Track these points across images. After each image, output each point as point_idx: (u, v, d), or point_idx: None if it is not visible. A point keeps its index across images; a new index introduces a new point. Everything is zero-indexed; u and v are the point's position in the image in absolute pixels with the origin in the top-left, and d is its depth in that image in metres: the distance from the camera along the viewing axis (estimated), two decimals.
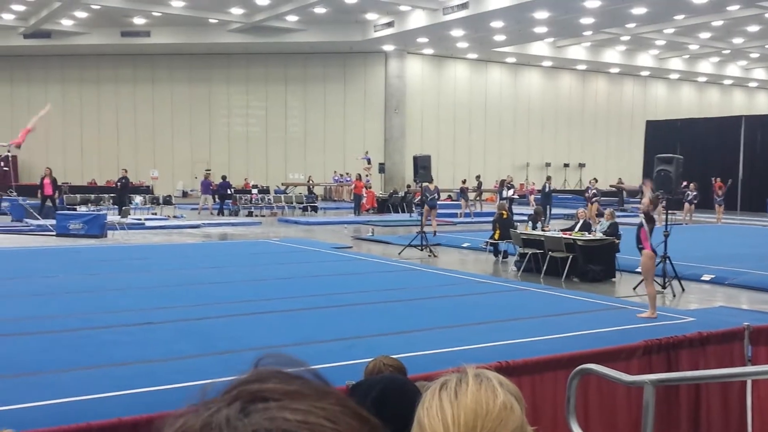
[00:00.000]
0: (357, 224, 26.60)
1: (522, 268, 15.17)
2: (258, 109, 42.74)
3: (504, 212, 17.38)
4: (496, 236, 16.98)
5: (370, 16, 35.79)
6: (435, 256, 17.47)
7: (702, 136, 37.38)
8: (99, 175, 40.46)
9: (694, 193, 29.05)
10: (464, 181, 32.19)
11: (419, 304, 10.74)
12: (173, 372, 6.73)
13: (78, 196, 29.91)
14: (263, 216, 30.28)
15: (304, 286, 12.20)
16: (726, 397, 7.32)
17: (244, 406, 0.67)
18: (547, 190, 27.44)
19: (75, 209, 25.62)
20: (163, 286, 12.15)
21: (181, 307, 10.13)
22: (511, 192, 26.69)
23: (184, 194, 40.64)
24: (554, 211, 27.76)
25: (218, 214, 29.88)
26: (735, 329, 7.87)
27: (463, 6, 30.80)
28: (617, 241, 14.56)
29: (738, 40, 40.59)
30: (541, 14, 30.85)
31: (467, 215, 29.83)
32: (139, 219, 25.09)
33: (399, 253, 17.55)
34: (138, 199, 29.61)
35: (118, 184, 29.03)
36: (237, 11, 34.54)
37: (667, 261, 12.86)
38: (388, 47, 40.04)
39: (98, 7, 32.52)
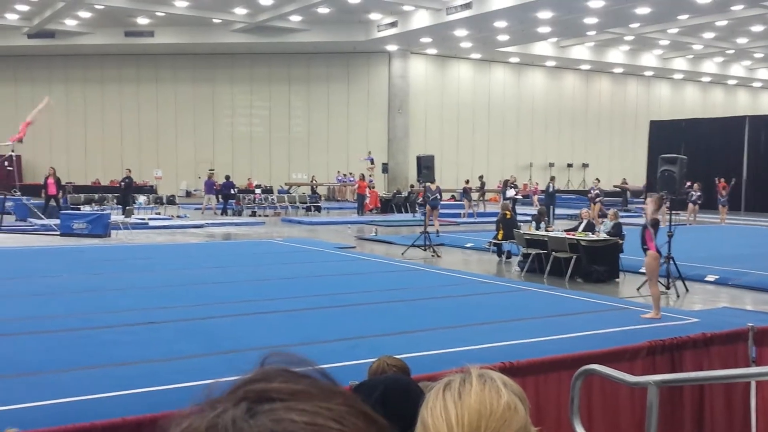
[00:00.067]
0: (360, 224, 26.61)
1: (525, 269, 15.16)
2: (261, 109, 42.77)
3: (507, 212, 17.36)
4: (500, 236, 16.97)
5: (374, 16, 35.80)
6: (438, 256, 17.47)
7: (706, 137, 37.31)
8: (103, 174, 40.52)
9: (698, 193, 29.01)
10: (467, 182, 32.17)
11: (422, 305, 10.73)
12: (176, 372, 6.73)
13: (82, 195, 29.97)
14: (266, 216, 30.30)
15: (307, 286, 12.19)
16: (730, 398, 7.31)
17: (250, 407, 0.66)
18: (550, 190, 27.43)
19: (79, 209, 25.66)
20: (166, 285, 12.16)
21: (183, 307, 10.13)
22: (513, 192, 26.67)
23: (188, 194, 40.69)
24: (558, 211, 27.73)
25: (221, 214, 29.91)
26: (739, 330, 7.86)
27: (467, 6, 30.80)
28: (621, 242, 14.54)
29: (742, 40, 40.53)
30: (545, 14, 30.83)
31: (470, 215, 29.82)
32: (143, 219, 25.12)
33: (402, 254, 17.54)
34: (142, 198, 29.67)
35: (122, 183, 29.06)
36: (240, 11, 34.57)
37: (671, 261, 12.83)
38: (391, 47, 40.04)
39: (102, 7, 32.57)
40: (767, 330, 7.81)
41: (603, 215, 22.49)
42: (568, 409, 5.08)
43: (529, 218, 19.35)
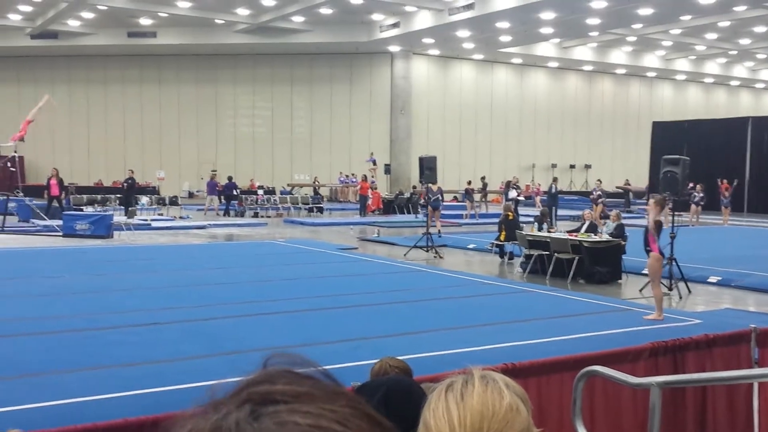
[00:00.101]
0: (362, 225, 26.61)
1: (528, 270, 15.15)
2: (264, 109, 42.80)
3: (510, 213, 17.35)
4: (502, 237, 16.96)
5: (376, 16, 35.81)
6: (440, 257, 17.47)
7: (708, 138, 37.27)
8: (105, 175, 40.58)
9: (701, 194, 28.97)
10: (469, 183, 32.16)
11: (425, 306, 10.73)
12: (179, 372, 6.74)
13: (84, 196, 30.02)
14: (269, 217, 30.31)
15: (309, 287, 12.20)
16: (732, 399, 7.31)
17: (254, 409, 0.66)
18: (553, 191, 27.40)
19: (81, 210, 25.70)
20: (169, 286, 12.17)
21: (187, 308, 10.14)
22: (515, 193, 26.65)
23: (191, 195, 40.72)
24: (560, 212, 27.72)
25: (224, 215, 29.93)
26: (742, 331, 7.85)
27: (469, 7, 30.80)
28: (623, 243, 14.53)
29: (745, 41, 40.49)
30: (547, 15, 30.82)
31: (472, 216, 29.81)
32: (146, 220, 25.15)
33: (404, 255, 17.55)
34: (144, 199, 29.69)
35: (125, 184, 29.10)
36: (243, 12, 34.60)
37: (674, 263, 12.82)
38: (393, 48, 40.05)
39: (105, 7, 32.62)
40: None
41: (605, 216, 22.49)
42: (570, 411, 5.08)
43: (531, 219, 19.34)
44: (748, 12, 31.96)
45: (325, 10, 33.69)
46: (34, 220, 24.01)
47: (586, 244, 14.15)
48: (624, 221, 15.75)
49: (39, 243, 19.43)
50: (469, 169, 42.60)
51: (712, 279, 14.03)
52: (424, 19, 33.87)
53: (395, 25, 35.64)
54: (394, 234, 23.13)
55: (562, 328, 8.96)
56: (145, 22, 36.28)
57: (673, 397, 6.87)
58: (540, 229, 16.12)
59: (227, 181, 31.30)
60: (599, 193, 27.81)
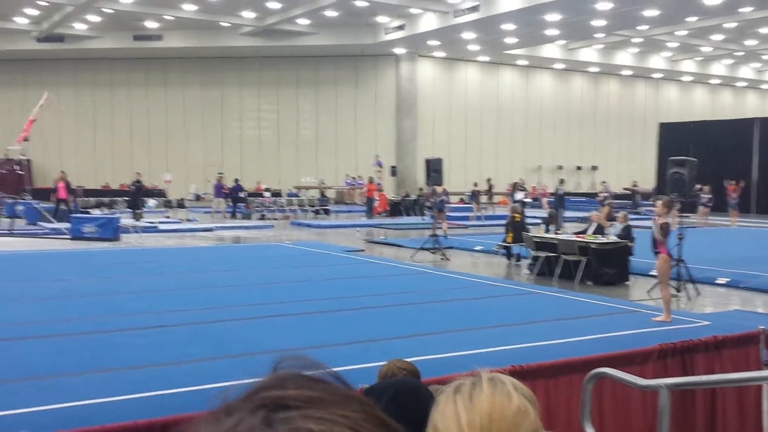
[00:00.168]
0: (369, 227, 26.62)
1: (535, 272, 15.13)
2: (270, 112, 42.87)
3: (517, 215, 17.33)
4: (509, 239, 16.94)
5: (381, 19, 35.84)
6: (447, 259, 17.45)
7: (715, 139, 37.20)
8: (112, 178, 40.70)
9: (708, 196, 28.90)
10: (476, 184, 32.14)
11: (432, 308, 10.72)
12: (186, 375, 6.75)
13: (92, 199, 30.13)
14: (275, 219, 30.35)
15: (316, 289, 12.20)
16: (742, 401, 7.28)
17: (267, 415, 0.66)
18: (559, 193, 27.36)
19: (89, 213, 25.77)
20: (177, 289, 12.19)
21: (194, 311, 10.15)
22: (522, 195, 26.62)
23: (197, 197, 40.76)
24: (567, 214, 27.67)
25: (231, 218, 29.98)
26: (750, 333, 7.82)
27: (474, 9, 30.80)
28: (631, 244, 14.49)
29: (751, 42, 40.37)
30: (553, 17, 30.79)
31: (478, 218, 29.80)
32: (153, 222, 25.20)
33: (411, 257, 17.54)
34: (151, 202, 29.80)
35: (132, 187, 29.17)
36: (249, 15, 34.66)
37: (682, 264, 12.78)
38: (399, 50, 40.07)
39: (111, 11, 32.74)
40: None
41: (612, 218, 22.44)
42: (579, 413, 5.07)
43: (538, 221, 19.32)
44: (754, 13, 31.87)
45: (331, 13, 33.73)
46: (41, 223, 24.09)
47: (593, 246, 14.13)
48: (631, 222, 15.71)
49: (47, 246, 19.49)
50: (474, 170, 42.59)
51: (721, 280, 13.98)
52: (429, 21, 33.88)
53: (400, 28, 35.67)
54: (401, 236, 23.13)
55: (570, 330, 8.94)
56: (150, 25, 36.39)
57: (683, 399, 6.84)
58: (547, 230, 16.09)
59: (234, 184, 31.36)
60: (606, 194, 27.77)
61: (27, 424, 5.40)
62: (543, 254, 15.01)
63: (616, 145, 50.04)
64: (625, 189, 39.87)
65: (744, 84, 53.07)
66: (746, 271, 14.61)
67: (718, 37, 39.13)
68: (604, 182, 30.09)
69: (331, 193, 39.80)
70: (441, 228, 21.42)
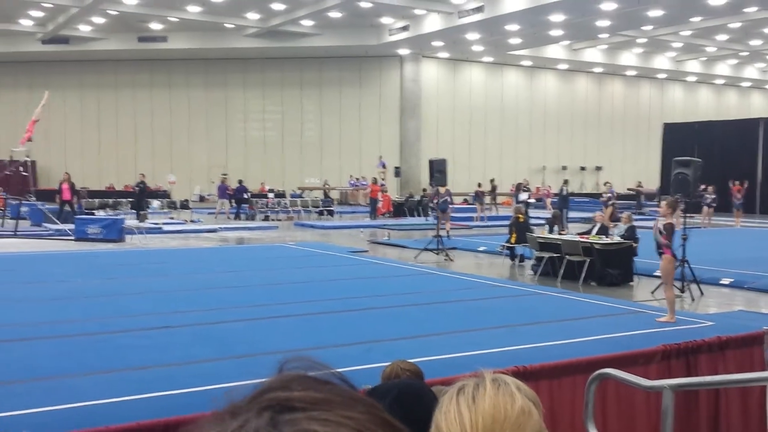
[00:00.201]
0: (373, 228, 26.62)
1: (539, 272, 15.12)
2: (274, 113, 42.91)
3: (520, 216, 17.33)
4: (513, 240, 16.94)
5: (386, 20, 35.84)
6: (451, 260, 17.44)
7: (720, 139, 37.12)
8: (117, 179, 40.76)
9: (713, 196, 28.86)
10: (480, 185, 32.13)
11: (436, 308, 10.71)
12: (191, 376, 6.76)
13: (96, 200, 30.18)
14: (279, 220, 30.37)
15: (320, 290, 12.21)
16: (746, 402, 7.27)
17: (273, 417, 0.65)
18: (564, 193, 27.33)
19: (93, 214, 25.81)
20: (181, 290, 12.21)
21: (198, 311, 10.16)
22: (526, 195, 26.60)
23: (201, 199, 40.83)
24: (571, 214, 27.65)
25: (235, 219, 30.01)
26: (755, 333, 7.82)
27: (479, 9, 30.79)
28: (635, 245, 14.47)
29: (756, 42, 40.31)
30: (557, 17, 30.77)
31: (482, 219, 29.79)
32: (157, 223, 25.24)
33: (415, 257, 17.53)
34: (155, 203, 29.84)
35: (136, 188, 29.23)
36: (253, 16, 34.70)
37: (686, 265, 12.76)
38: (403, 51, 40.08)
39: (115, 12, 32.81)
40: None
41: (616, 219, 22.41)
42: (582, 414, 5.06)
43: (542, 222, 19.31)
44: (759, 13, 31.82)
45: (335, 14, 33.76)
46: (46, 224, 24.14)
47: (597, 247, 14.11)
48: (635, 223, 15.69)
49: (51, 247, 19.53)
50: (478, 171, 42.56)
51: (725, 281, 13.95)
52: (433, 22, 33.88)
53: (405, 29, 35.67)
54: (405, 237, 23.13)
55: (574, 331, 8.93)
56: (155, 26, 36.46)
57: (686, 400, 6.84)
58: (551, 231, 16.07)
59: (238, 185, 31.39)
60: (609, 195, 27.72)
61: (32, 424, 5.42)
62: (547, 255, 15.00)
63: (621, 145, 49.98)
64: (630, 189, 39.81)
65: (749, 84, 52.97)
66: (750, 272, 14.58)
67: (722, 37, 39.07)
68: (607, 183, 30.02)
69: (335, 194, 39.82)
70: (444, 228, 21.42)
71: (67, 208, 25.63)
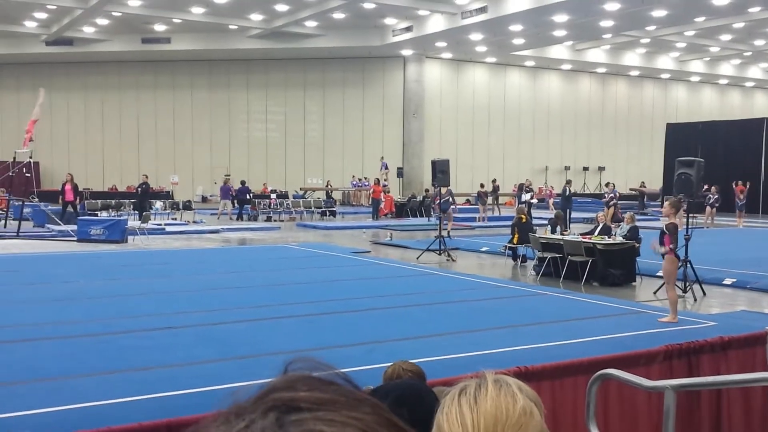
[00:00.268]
0: (375, 229, 26.62)
1: (541, 273, 15.11)
2: (277, 114, 42.95)
3: (523, 216, 17.32)
4: (515, 240, 16.93)
5: (389, 20, 35.85)
6: (453, 260, 17.44)
7: (723, 139, 37.08)
8: (120, 180, 40.83)
9: (716, 196, 28.84)
10: (482, 186, 32.12)
11: (438, 309, 10.72)
12: (193, 376, 6.77)
13: (99, 201, 30.17)
14: (282, 221, 30.39)
15: (323, 290, 12.21)
16: (748, 402, 7.26)
17: (279, 417, 0.65)
18: (566, 193, 27.32)
19: (96, 215, 25.84)
20: (183, 291, 12.22)
21: (200, 312, 10.17)
22: (529, 196, 26.58)
23: (204, 199, 40.88)
24: (574, 214, 27.63)
25: (237, 219, 30.03)
26: (757, 333, 7.81)
27: (482, 10, 30.78)
28: (637, 245, 14.46)
29: (759, 42, 40.25)
30: (560, 17, 30.76)
31: (484, 219, 29.79)
32: (159, 224, 25.26)
33: (417, 258, 17.53)
34: (158, 204, 29.83)
35: (139, 189, 29.25)
36: (256, 17, 34.73)
37: (689, 265, 12.75)
38: (406, 52, 40.08)
39: (119, 14, 32.86)
40: None
41: (618, 219, 22.39)
42: (584, 414, 5.06)
43: (545, 222, 19.27)
44: (762, 13, 31.78)
45: (338, 15, 33.77)
46: (49, 225, 24.18)
47: (599, 247, 14.11)
48: (639, 223, 15.68)
49: (54, 248, 19.56)
50: (481, 172, 42.56)
51: (727, 281, 13.94)
52: (436, 23, 33.88)
53: (408, 29, 35.67)
54: (407, 237, 23.12)
55: (576, 331, 8.93)
56: (159, 28, 36.50)
57: (688, 401, 6.83)
58: (554, 231, 16.06)
59: (240, 186, 31.40)
60: (611, 195, 27.74)
61: (34, 425, 5.43)
62: (549, 255, 14.99)
63: (624, 145, 49.93)
64: (632, 190, 39.80)
65: (752, 84, 52.89)
66: (753, 272, 14.56)
67: (726, 37, 39.02)
68: (609, 184, 30.04)
69: (337, 195, 39.85)
70: (446, 229, 21.42)
71: (69, 209, 25.66)
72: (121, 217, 23.56)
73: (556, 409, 6.32)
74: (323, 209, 32.37)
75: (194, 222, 27.91)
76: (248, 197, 31.43)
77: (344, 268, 15.28)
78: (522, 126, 46.43)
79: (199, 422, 0.70)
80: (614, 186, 29.56)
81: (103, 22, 35.08)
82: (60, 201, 26.52)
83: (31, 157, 25.30)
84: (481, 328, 9.20)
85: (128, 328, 9.06)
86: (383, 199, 32.63)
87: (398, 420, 0.72)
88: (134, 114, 42.16)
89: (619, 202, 29.20)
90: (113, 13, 32.78)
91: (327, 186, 39.87)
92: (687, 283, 12.69)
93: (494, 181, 35.85)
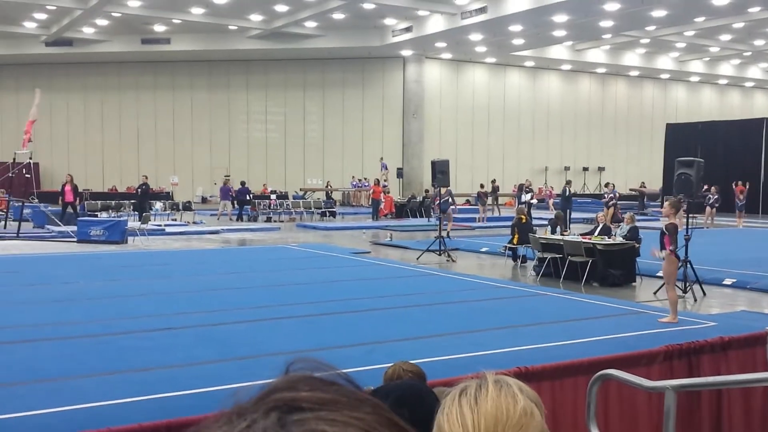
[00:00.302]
0: (375, 229, 26.62)
1: (541, 273, 15.11)
2: (277, 114, 42.96)
3: (523, 216, 17.32)
4: (515, 241, 16.93)
5: (389, 21, 35.86)
6: (453, 261, 17.44)
7: (723, 139, 37.09)
8: (119, 181, 40.83)
9: (716, 196, 28.84)
10: (482, 186, 32.12)
11: (438, 309, 10.71)
12: (193, 377, 6.76)
13: (99, 202, 30.16)
14: (282, 221, 30.39)
15: (322, 291, 12.21)
16: (748, 402, 7.26)
17: (280, 417, 0.65)
18: (566, 194, 27.32)
19: (96, 216, 25.83)
20: (183, 291, 12.22)
21: (200, 313, 10.17)
22: (529, 196, 26.59)
23: (204, 200, 40.89)
24: (574, 215, 27.64)
25: (237, 220, 30.03)
26: (757, 334, 7.81)
27: (482, 10, 30.79)
28: (637, 246, 14.46)
29: (759, 42, 40.26)
30: (560, 17, 30.76)
31: (484, 220, 29.80)
32: (159, 225, 25.26)
33: (417, 258, 17.54)
34: (158, 205, 29.82)
35: (139, 190, 29.24)
36: (256, 18, 34.74)
37: (689, 265, 12.75)
38: (406, 52, 40.09)
39: (119, 15, 32.86)
40: None
41: (618, 220, 22.39)
42: (584, 415, 5.06)
43: (545, 222, 19.28)
44: (762, 13, 31.79)
45: (338, 15, 33.77)
46: (48, 226, 24.17)
47: (599, 247, 14.10)
48: (639, 224, 15.67)
49: (54, 249, 19.55)
50: (481, 172, 42.56)
51: (727, 281, 13.94)
52: (436, 23, 33.89)
53: (408, 30, 35.68)
54: (407, 238, 23.12)
55: (576, 332, 8.93)
56: (158, 28, 36.51)
57: (689, 401, 6.83)
58: (553, 232, 16.05)
59: (240, 186, 31.40)
60: (611, 195, 27.74)
61: (34, 426, 5.43)
62: (549, 255, 14.99)
63: (624, 146, 49.95)
64: (632, 190, 39.80)
65: (752, 84, 52.91)
66: (753, 272, 14.56)
67: (726, 37, 39.03)
68: (608, 184, 30.04)
69: (337, 195, 39.85)
70: (446, 229, 21.42)
71: (69, 210, 25.65)
72: (121, 218, 23.55)
73: (557, 409, 6.32)
74: (323, 210, 32.36)
75: (194, 223, 27.90)
76: (248, 198, 31.42)
77: (344, 269, 15.27)
78: (522, 126, 46.44)
79: (200, 422, 0.70)
80: (614, 186, 29.55)
81: (102, 22, 35.08)
82: (60, 202, 26.51)
83: (30, 158, 25.29)
84: (481, 329, 9.20)
85: (128, 328, 9.06)
86: (383, 200, 32.63)
87: (399, 420, 0.72)
88: (134, 115, 42.16)
89: (618, 202, 29.20)
90: (113, 14, 32.78)
91: (327, 186, 39.88)
92: (687, 284, 12.68)
93: (494, 181, 35.84)
